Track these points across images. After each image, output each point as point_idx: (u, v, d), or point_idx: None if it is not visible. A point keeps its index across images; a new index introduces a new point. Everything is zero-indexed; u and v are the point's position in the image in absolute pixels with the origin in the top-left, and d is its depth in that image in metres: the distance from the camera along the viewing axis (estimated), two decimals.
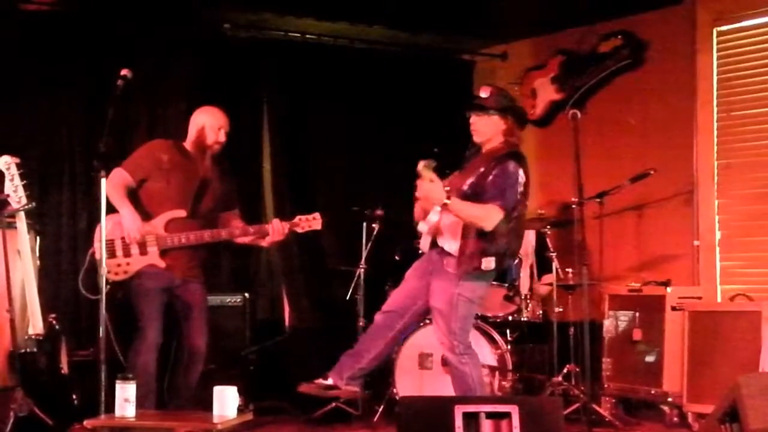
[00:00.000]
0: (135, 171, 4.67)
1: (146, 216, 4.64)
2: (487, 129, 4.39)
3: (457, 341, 4.32)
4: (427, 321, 4.87)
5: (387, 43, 6.93)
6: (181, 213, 4.68)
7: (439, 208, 4.32)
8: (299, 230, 4.84)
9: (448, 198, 4.20)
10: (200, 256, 4.80)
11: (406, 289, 4.50)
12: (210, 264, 5.07)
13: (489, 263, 4.25)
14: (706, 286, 5.90)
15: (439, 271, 4.35)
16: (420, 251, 4.57)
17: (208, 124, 4.77)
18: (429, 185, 4.22)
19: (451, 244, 4.31)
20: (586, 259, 5.04)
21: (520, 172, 4.28)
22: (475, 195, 4.27)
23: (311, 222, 4.84)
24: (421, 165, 4.24)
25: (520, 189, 4.28)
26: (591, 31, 6.55)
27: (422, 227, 4.48)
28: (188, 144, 4.81)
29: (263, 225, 4.84)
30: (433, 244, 4.42)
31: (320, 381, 4.42)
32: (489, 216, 4.20)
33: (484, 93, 4.41)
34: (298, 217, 4.86)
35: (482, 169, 4.30)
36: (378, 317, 4.51)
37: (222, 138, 4.79)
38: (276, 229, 4.76)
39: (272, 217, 4.96)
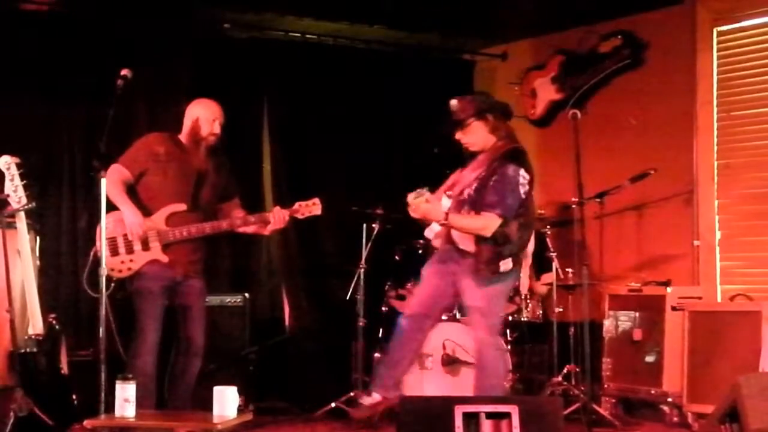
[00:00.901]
0: (132, 165, 4.67)
1: (146, 211, 4.63)
2: (474, 138, 4.45)
3: (498, 336, 4.38)
4: None
5: (387, 43, 6.93)
6: (182, 207, 4.66)
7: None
8: (300, 216, 4.80)
9: (446, 217, 4.28)
10: (202, 250, 4.78)
11: (429, 289, 4.52)
12: (211, 261, 5.06)
13: (507, 264, 4.33)
14: (706, 286, 5.90)
15: (466, 270, 4.37)
16: (419, 250, 4.58)
17: (202, 116, 4.75)
18: (426, 206, 4.27)
19: (468, 245, 4.34)
20: (586, 259, 5.04)
21: (521, 172, 4.32)
22: (476, 199, 4.32)
23: (311, 207, 4.80)
24: (410, 198, 4.30)
25: (524, 189, 4.33)
26: (591, 31, 6.55)
27: (429, 233, 4.52)
28: (183, 136, 4.79)
29: (264, 213, 4.82)
30: (446, 241, 4.46)
31: (367, 400, 4.46)
32: (487, 225, 4.28)
33: (454, 107, 4.46)
34: (297, 204, 4.80)
35: (483, 173, 4.34)
36: (404, 322, 4.53)
37: (216, 130, 4.76)
38: (277, 217, 4.75)
39: None
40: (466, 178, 4.43)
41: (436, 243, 4.53)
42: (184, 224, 4.64)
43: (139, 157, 4.69)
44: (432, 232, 4.50)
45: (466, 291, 4.39)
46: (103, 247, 4.13)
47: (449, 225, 4.30)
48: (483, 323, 4.36)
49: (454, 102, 4.47)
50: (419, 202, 4.26)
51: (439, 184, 4.59)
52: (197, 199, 4.72)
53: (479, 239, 4.30)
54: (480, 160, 4.42)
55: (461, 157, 4.57)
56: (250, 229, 4.85)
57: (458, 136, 4.46)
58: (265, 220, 4.78)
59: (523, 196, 4.31)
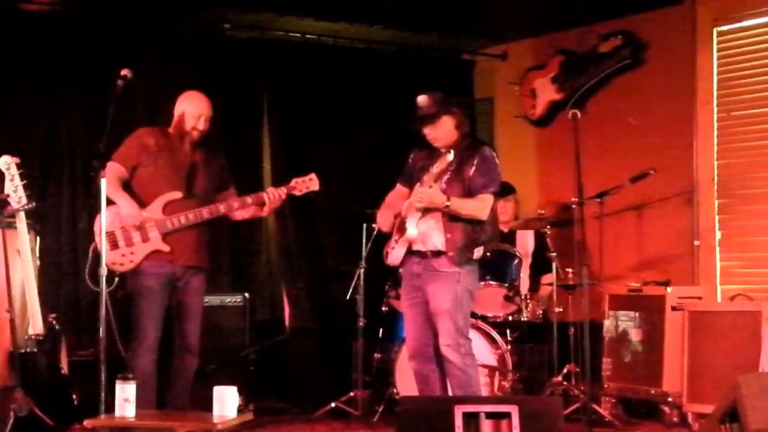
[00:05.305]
0: (125, 160, 4.66)
1: (142, 203, 4.61)
2: (442, 133, 4.49)
3: (463, 339, 4.37)
4: None
5: (387, 43, 6.93)
6: (177, 194, 4.63)
7: (416, 220, 4.36)
8: (297, 193, 4.78)
9: (448, 199, 4.31)
10: (204, 239, 4.74)
11: (414, 326, 4.51)
12: (211, 261, 5.03)
13: (479, 252, 4.41)
14: (706, 286, 5.90)
15: (431, 275, 4.39)
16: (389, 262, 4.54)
17: (188, 111, 4.73)
18: (429, 191, 4.32)
19: (437, 239, 4.36)
20: (586, 259, 5.04)
21: (495, 154, 4.47)
22: (450, 189, 4.36)
23: (308, 183, 4.78)
24: (417, 189, 4.37)
25: (499, 171, 4.48)
26: (591, 31, 6.55)
27: (392, 260, 4.48)
28: (171, 128, 4.79)
29: (260, 193, 4.77)
30: (407, 253, 4.46)
31: None
32: (485, 206, 4.39)
33: (423, 103, 4.50)
34: (294, 180, 4.79)
35: (452, 166, 4.37)
36: (412, 364, 4.53)
37: (201, 126, 4.72)
38: (273, 196, 4.72)
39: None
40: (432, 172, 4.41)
41: (397, 256, 4.46)
42: (181, 212, 4.62)
43: (131, 151, 4.68)
44: (395, 258, 4.48)
45: (433, 297, 4.39)
46: (103, 244, 4.11)
47: (450, 209, 4.31)
48: (450, 326, 4.33)
49: (423, 98, 4.52)
50: (427, 190, 4.31)
51: None
52: (192, 187, 4.69)
53: (450, 228, 4.33)
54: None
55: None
56: (248, 213, 4.83)
57: (427, 131, 4.50)
58: (261, 201, 4.74)
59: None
